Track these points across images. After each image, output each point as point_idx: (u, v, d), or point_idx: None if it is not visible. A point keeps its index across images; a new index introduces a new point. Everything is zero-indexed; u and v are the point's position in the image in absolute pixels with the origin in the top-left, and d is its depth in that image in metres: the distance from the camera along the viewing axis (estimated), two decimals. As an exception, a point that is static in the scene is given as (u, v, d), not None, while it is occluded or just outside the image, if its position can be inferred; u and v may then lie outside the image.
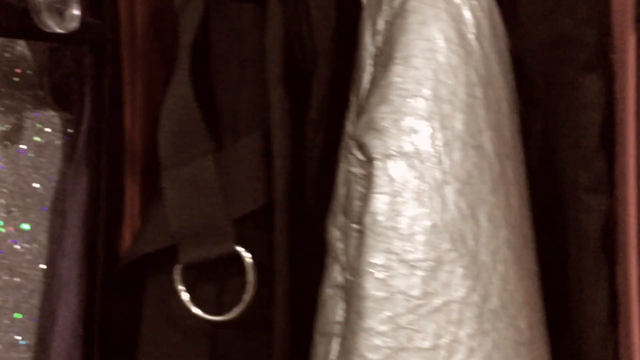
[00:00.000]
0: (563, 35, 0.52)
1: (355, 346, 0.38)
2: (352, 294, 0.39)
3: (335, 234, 0.43)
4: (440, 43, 0.43)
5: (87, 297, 0.54)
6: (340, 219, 0.43)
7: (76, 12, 0.49)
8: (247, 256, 0.48)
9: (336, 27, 0.51)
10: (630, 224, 0.51)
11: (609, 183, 0.53)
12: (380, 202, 0.39)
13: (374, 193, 0.39)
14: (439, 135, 0.41)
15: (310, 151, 0.51)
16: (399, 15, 0.44)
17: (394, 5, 0.45)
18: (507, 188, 0.43)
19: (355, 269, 0.39)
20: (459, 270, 0.39)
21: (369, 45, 0.46)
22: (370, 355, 0.38)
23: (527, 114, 0.55)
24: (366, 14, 0.47)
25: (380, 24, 0.45)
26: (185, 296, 0.49)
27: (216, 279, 0.51)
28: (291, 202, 0.50)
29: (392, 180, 0.40)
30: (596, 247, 0.52)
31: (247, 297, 0.48)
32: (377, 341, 0.38)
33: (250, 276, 0.48)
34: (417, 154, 0.40)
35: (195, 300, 0.50)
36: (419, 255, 0.39)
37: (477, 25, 0.44)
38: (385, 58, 0.43)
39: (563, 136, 0.52)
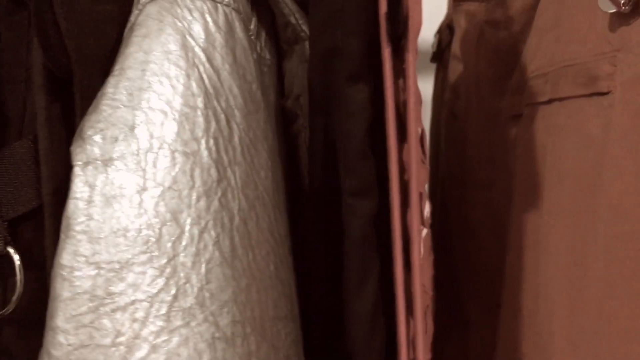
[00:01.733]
0: (334, 46, 0.54)
1: (45, 343, 0.41)
2: (49, 294, 0.42)
3: None
4: (159, 55, 0.45)
5: None
6: None
7: None
8: (16, 258, 0.51)
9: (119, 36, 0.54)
10: (395, 226, 0.53)
11: (379, 187, 0.55)
12: (74, 207, 0.42)
13: (70, 198, 0.42)
14: (144, 144, 0.43)
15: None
16: (130, 29, 0.47)
17: (132, 19, 0.47)
18: (226, 193, 0.45)
19: (53, 271, 0.42)
20: (151, 271, 0.42)
21: None
22: (53, 351, 0.41)
23: (311, 122, 0.57)
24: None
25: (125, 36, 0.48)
26: (-37, 291, 0.52)
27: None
28: (61, 204, 0.52)
29: (88, 186, 0.42)
30: (362, 248, 0.54)
31: (15, 295, 0.51)
32: (61, 338, 0.41)
33: (19, 275, 0.51)
34: (119, 161, 0.43)
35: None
36: (106, 257, 0.41)
37: (208, 40, 0.47)
38: (111, 71, 0.46)
39: (336, 143, 0.55)
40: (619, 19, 0.47)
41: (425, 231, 0.60)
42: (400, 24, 0.51)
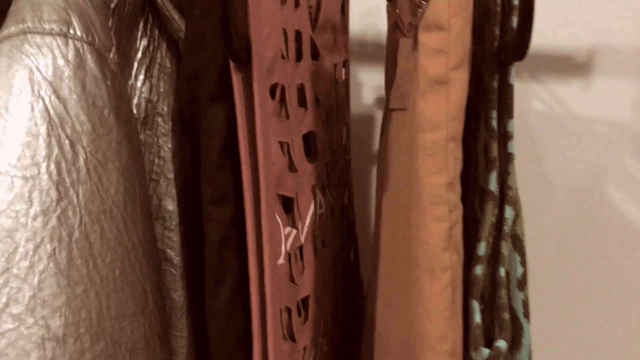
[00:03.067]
0: (197, 70, 0.61)
1: None
2: None
3: None
4: (5, 90, 0.52)
5: None
6: None
7: None
8: None
9: None
10: (249, 230, 0.60)
11: (236, 195, 0.61)
12: None
13: None
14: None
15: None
16: (-13, 65, 0.54)
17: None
18: (66, 211, 0.52)
19: None
20: (-16, 284, 0.50)
21: None
22: None
23: (181, 138, 0.64)
24: None
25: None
26: None
27: None
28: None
29: None
30: (219, 250, 0.61)
31: None
32: None
33: None
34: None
35: None
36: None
37: (55, 73, 0.54)
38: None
39: (202, 157, 0.61)
40: (413, 42, 0.51)
41: (294, 232, 0.66)
42: (244, 54, 0.56)
